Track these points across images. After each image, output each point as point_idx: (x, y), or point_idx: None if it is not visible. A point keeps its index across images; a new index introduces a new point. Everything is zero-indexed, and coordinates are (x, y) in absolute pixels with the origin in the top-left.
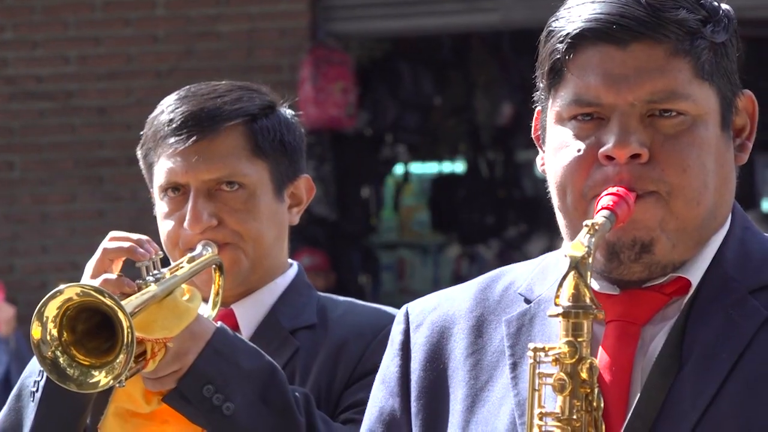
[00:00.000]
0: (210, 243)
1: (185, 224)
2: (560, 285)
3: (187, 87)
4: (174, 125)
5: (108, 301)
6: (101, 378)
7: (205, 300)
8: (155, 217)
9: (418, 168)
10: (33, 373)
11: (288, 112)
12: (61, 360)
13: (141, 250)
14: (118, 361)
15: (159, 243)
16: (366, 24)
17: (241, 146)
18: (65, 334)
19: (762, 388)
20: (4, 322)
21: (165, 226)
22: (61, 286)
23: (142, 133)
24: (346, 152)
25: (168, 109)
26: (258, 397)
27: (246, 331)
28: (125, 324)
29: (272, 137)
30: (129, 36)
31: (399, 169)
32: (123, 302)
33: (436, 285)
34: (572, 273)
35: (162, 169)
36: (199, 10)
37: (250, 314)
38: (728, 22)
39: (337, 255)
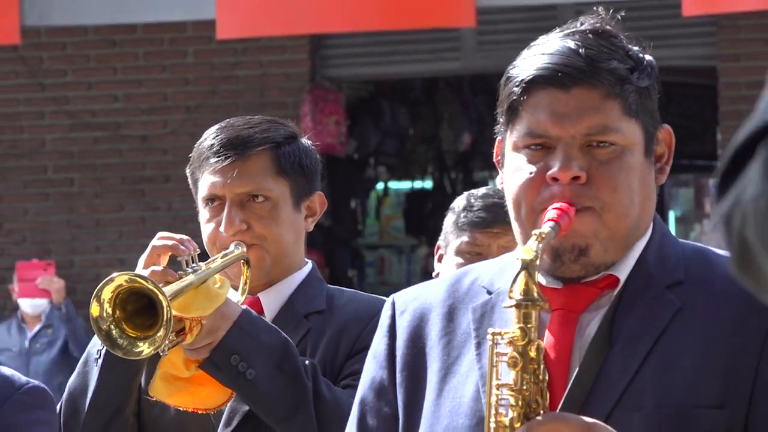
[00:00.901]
0: (240, 243)
1: (221, 228)
2: (513, 282)
3: (227, 120)
4: (214, 149)
5: (150, 286)
6: (144, 348)
7: (236, 289)
8: (185, 223)
9: (395, 185)
10: (96, 344)
11: (307, 142)
12: (113, 332)
13: (182, 247)
14: (158, 335)
15: (199, 243)
16: (354, 70)
17: (267, 167)
18: (117, 312)
19: (675, 365)
20: (56, 291)
21: (206, 229)
22: (113, 274)
23: (175, 156)
24: (338, 172)
25: (210, 136)
26: (274, 365)
27: (269, 315)
28: (164, 305)
29: (293, 161)
30: (165, 79)
31: (380, 185)
32: (165, 288)
33: (409, 278)
34: (523, 272)
35: (205, 183)
36: (221, 58)
37: (272, 301)
38: (651, 70)
39: (331, 254)
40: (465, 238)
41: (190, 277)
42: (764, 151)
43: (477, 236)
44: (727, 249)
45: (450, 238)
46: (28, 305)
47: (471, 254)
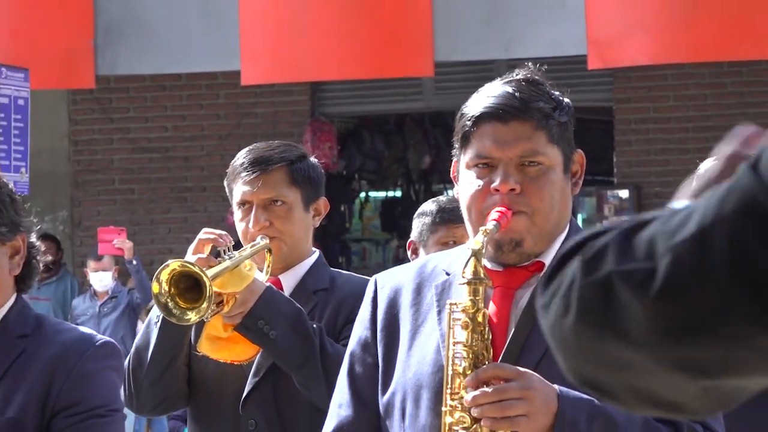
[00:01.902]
0: (264, 236)
1: (250, 225)
2: (465, 265)
3: (253, 144)
4: (244, 166)
5: (197, 269)
6: (192, 316)
7: (262, 271)
8: (217, 223)
9: (373, 194)
10: (156, 313)
11: (314, 160)
12: (169, 304)
13: (221, 240)
14: (203, 306)
15: (232, 236)
16: (343, 108)
17: (284, 179)
18: (172, 289)
19: None
20: (128, 250)
21: (239, 226)
22: (169, 261)
23: (210, 172)
24: (330, 184)
25: (241, 156)
26: (290, 328)
27: (286, 291)
28: (207, 283)
29: (303, 174)
30: (202, 114)
31: (362, 195)
32: (207, 270)
33: (384, 263)
34: (473, 258)
35: (238, 192)
36: (244, 99)
37: (289, 281)
38: (568, 109)
39: (325, 246)
40: (443, 232)
41: (227, 263)
42: (581, 255)
43: (453, 230)
44: (544, 332)
45: (426, 234)
46: (98, 282)
47: (449, 244)
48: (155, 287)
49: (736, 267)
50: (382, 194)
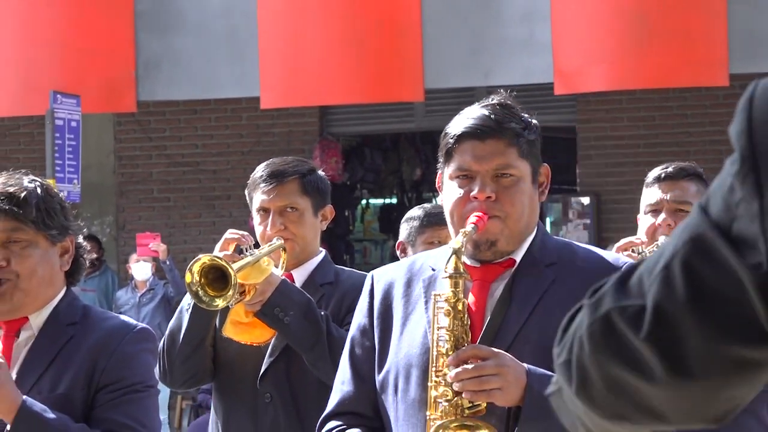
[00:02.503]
0: (280, 237)
1: (267, 228)
2: (447, 262)
3: (270, 160)
4: (263, 178)
5: (223, 263)
6: (219, 302)
7: (278, 266)
8: (240, 226)
9: (373, 201)
10: (187, 300)
11: (322, 173)
12: (199, 293)
13: (243, 239)
14: (228, 294)
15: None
16: (347, 128)
17: (296, 189)
18: (202, 280)
19: (550, 315)
20: (162, 252)
21: (258, 229)
22: (199, 256)
23: (234, 183)
24: (336, 193)
25: (260, 170)
26: (302, 315)
27: (298, 284)
28: (232, 275)
29: (313, 185)
30: (227, 134)
31: (363, 202)
32: (232, 264)
33: (382, 260)
34: (454, 256)
35: (257, 200)
36: (263, 121)
37: (300, 275)
38: (535, 129)
39: (332, 245)
40: (429, 234)
41: (248, 258)
42: (584, 309)
43: (437, 232)
44: (569, 387)
45: (414, 236)
46: (139, 275)
47: (434, 244)
48: (188, 277)
49: (690, 288)
50: (380, 201)
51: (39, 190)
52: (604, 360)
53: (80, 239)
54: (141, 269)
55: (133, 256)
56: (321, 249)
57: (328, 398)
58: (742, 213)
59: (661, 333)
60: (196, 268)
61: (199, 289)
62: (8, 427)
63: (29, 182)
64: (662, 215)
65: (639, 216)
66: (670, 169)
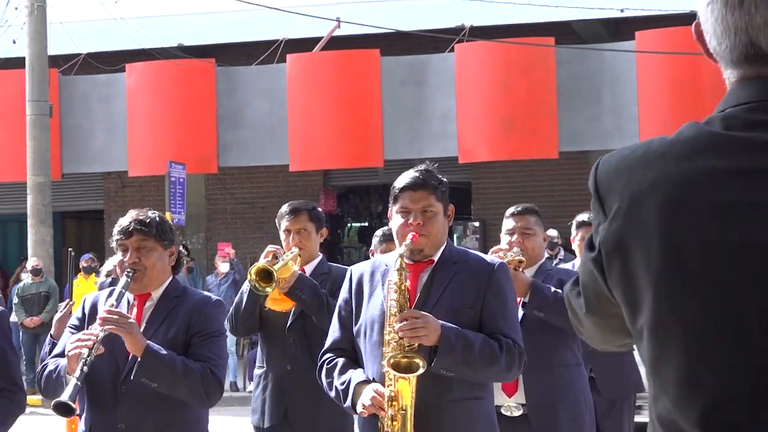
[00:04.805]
0: (296, 248)
1: (290, 242)
2: (395, 261)
3: (291, 201)
4: (286, 212)
5: (269, 266)
6: (267, 288)
7: (296, 265)
8: (276, 241)
9: (355, 224)
10: (246, 288)
11: (320, 209)
12: (256, 285)
13: (278, 250)
14: (272, 284)
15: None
16: (340, 182)
17: (306, 218)
18: (256, 278)
19: (455, 292)
20: (232, 254)
21: (284, 243)
22: (256, 263)
23: (272, 215)
24: (332, 220)
25: (284, 207)
26: (312, 293)
27: (308, 274)
28: (275, 273)
29: (316, 216)
30: (269, 187)
31: (348, 225)
32: (274, 266)
33: (360, 260)
34: (399, 257)
35: (283, 225)
36: (291, 178)
37: (309, 269)
38: (446, 185)
39: (329, 250)
40: (385, 245)
41: (281, 262)
42: (567, 286)
43: (390, 245)
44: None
45: (378, 246)
46: (222, 268)
47: (388, 251)
48: (249, 276)
49: (584, 279)
50: (358, 224)
51: (157, 218)
52: (570, 308)
53: (180, 247)
54: (223, 265)
55: (218, 258)
56: (320, 253)
57: (325, 340)
58: (596, 228)
59: (583, 298)
60: (253, 270)
61: (255, 283)
62: (139, 359)
63: (152, 213)
64: (515, 236)
65: (502, 235)
66: (519, 208)
